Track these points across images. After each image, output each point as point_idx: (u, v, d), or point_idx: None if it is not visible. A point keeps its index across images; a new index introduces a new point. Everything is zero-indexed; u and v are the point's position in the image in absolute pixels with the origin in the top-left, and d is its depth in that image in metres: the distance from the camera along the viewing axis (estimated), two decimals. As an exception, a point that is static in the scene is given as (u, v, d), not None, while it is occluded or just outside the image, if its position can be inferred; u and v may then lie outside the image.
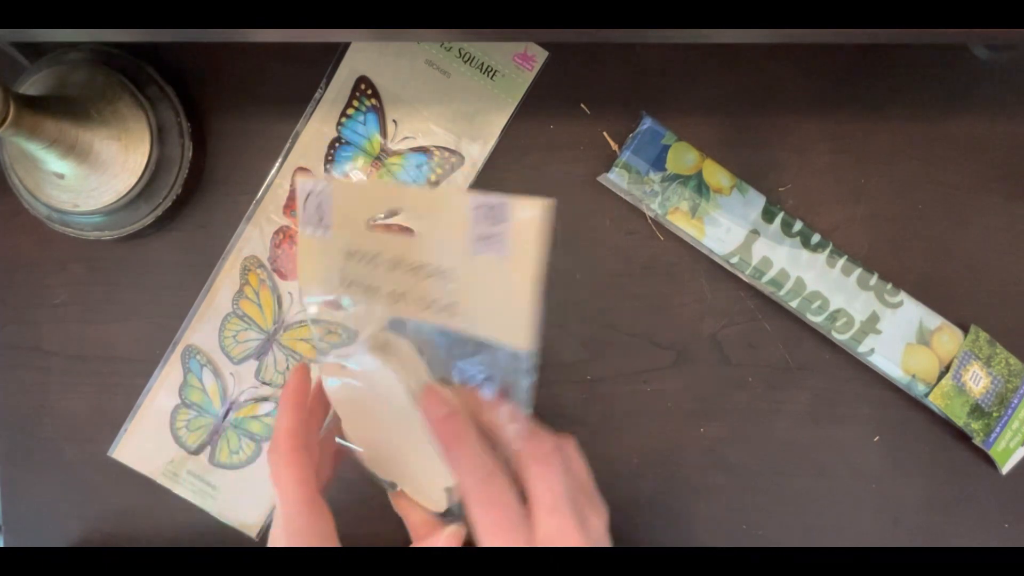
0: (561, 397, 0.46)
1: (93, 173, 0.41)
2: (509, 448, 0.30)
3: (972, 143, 0.46)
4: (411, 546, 0.33)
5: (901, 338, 0.45)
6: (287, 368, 0.46)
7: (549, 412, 0.46)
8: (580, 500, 0.30)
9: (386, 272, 0.30)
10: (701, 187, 0.45)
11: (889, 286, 0.45)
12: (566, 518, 0.28)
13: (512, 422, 0.30)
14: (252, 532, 0.46)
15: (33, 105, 0.36)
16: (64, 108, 0.39)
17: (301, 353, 0.46)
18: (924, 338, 0.45)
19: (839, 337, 0.45)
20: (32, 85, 0.41)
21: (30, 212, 0.43)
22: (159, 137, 0.42)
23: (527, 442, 0.30)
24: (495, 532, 0.29)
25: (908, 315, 0.45)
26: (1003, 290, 0.47)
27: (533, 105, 0.45)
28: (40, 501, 0.47)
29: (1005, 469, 0.47)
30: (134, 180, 0.42)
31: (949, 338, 0.46)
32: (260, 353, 0.46)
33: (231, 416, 0.46)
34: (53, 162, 0.40)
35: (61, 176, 0.41)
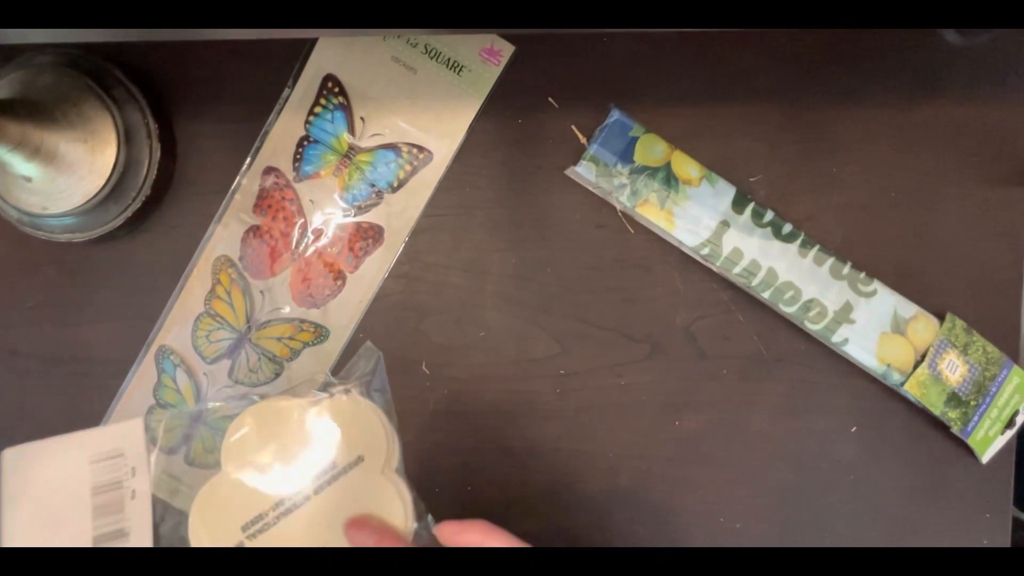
0: (534, 392, 0.46)
1: (60, 175, 0.41)
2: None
3: (945, 129, 0.46)
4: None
5: (875, 327, 0.45)
6: (260, 367, 0.46)
7: (522, 407, 0.46)
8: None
9: None
10: (670, 179, 0.44)
11: (863, 275, 0.45)
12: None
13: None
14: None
15: (-4, 108, 0.37)
16: (28, 111, 0.39)
17: (274, 352, 0.46)
18: (899, 327, 0.45)
19: (812, 327, 0.45)
20: (-2, 90, 0.41)
21: (1, 216, 0.44)
22: (126, 138, 0.42)
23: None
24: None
25: (882, 304, 0.45)
26: (980, 277, 0.46)
27: (501, 100, 0.45)
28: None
29: (985, 458, 0.46)
30: (102, 182, 0.42)
31: (924, 327, 0.45)
32: (233, 352, 0.46)
33: (205, 416, 0.46)
34: (19, 165, 0.40)
35: (29, 179, 0.41)
